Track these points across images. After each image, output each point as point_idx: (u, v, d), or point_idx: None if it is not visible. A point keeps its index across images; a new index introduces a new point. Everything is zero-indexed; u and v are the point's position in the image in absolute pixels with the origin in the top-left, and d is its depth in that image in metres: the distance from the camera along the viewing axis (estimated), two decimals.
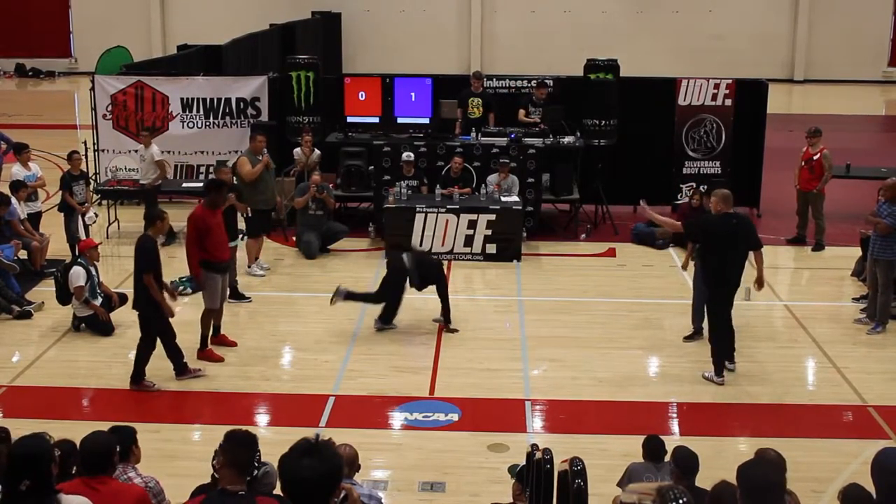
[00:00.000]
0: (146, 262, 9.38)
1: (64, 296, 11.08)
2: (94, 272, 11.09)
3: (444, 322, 11.17)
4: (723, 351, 9.84)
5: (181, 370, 9.76)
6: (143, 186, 14.25)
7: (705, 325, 10.39)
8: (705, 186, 15.14)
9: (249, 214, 12.64)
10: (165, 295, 9.63)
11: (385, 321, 11.14)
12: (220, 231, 10.33)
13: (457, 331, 11.10)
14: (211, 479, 5.59)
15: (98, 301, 11.07)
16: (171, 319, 9.62)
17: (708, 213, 10.01)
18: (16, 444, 4.61)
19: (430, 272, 11.23)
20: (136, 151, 15.56)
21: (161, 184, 14.45)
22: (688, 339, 10.84)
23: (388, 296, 11.13)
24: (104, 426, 5.83)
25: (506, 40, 32.11)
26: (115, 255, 13.99)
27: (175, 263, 12.29)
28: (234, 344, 10.62)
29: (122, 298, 11.36)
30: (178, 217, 12.53)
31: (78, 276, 10.88)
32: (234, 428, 4.80)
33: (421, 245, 13.42)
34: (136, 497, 5.10)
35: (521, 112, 15.46)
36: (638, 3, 31.80)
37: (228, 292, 11.77)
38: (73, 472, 5.42)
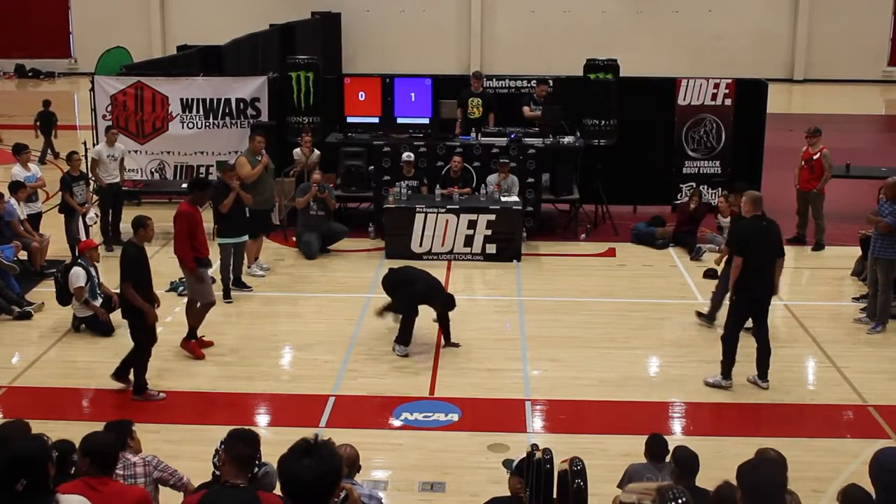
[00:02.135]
0: (126, 270, 9.32)
1: (64, 296, 11.08)
2: (94, 273, 11.10)
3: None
4: (733, 356, 9.67)
5: (140, 389, 9.52)
6: (121, 187, 14.32)
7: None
8: (703, 187, 15.20)
9: (248, 214, 12.66)
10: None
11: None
12: (202, 228, 10.50)
13: (458, 345, 10.78)
14: (212, 476, 5.60)
15: (98, 302, 11.08)
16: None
17: (739, 219, 9.78)
18: (12, 445, 4.61)
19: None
20: (136, 151, 15.59)
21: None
22: (701, 315, 11.17)
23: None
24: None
25: (506, 40, 32.13)
26: (116, 256, 13.90)
27: (175, 263, 12.26)
28: (211, 343, 10.63)
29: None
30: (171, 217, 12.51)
31: (78, 276, 10.88)
32: (237, 427, 4.85)
33: (421, 245, 13.42)
34: (136, 498, 5.11)
35: (526, 109, 15.47)
36: (638, 3, 31.82)
37: (232, 280, 12.22)
38: (72, 472, 5.42)
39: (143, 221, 9.58)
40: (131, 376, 9.60)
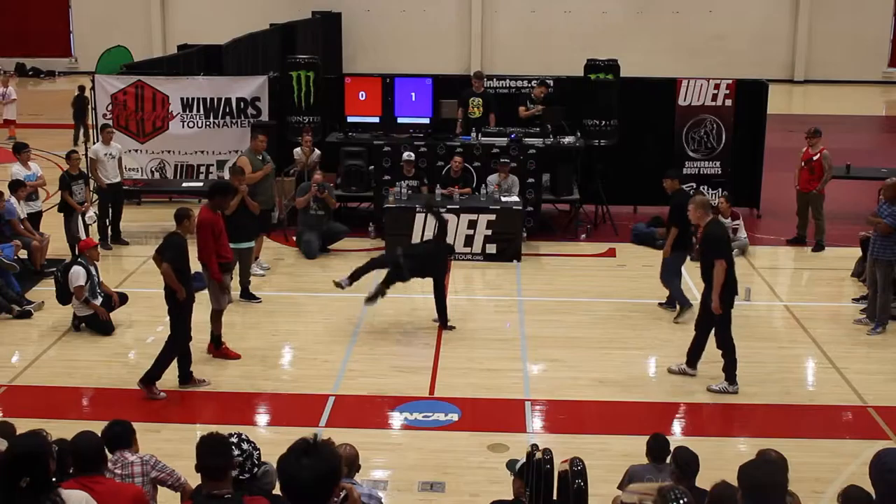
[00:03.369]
0: (169, 252, 9.33)
1: (64, 295, 11.07)
2: (94, 272, 11.09)
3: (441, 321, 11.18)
4: (734, 360, 9.68)
5: (185, 378, 9.66)
6: (122, 186, 14.41)
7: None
8: (704, 188, 15.20)
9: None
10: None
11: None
12: (224, 232, 10.36)
13: (454, 328, 11.08)
14: None
15: (98, 301, 11.07)
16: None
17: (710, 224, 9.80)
18: (14, 441, 4.62)
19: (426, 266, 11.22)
20: (136, 151, 15.60)
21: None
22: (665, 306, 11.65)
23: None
24: (103, 426, 5.85)
25: (506, 40, 32.13)
26: (116, 255, 13.98)
27: None
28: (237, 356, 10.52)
29: (123, 298, 11.38)
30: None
31: (78, 275, 10.87)
32: (207, 432, 4.84)
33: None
34: (132, 496, 5.11)
35: (521, 109, 15.48)
36: (638, 3, 31.81)
37: (240, 291, 11.96)
38: (71, 471, 5.42)
39: (186, 212, 9.58)
40: (196, 374, 9.72)
